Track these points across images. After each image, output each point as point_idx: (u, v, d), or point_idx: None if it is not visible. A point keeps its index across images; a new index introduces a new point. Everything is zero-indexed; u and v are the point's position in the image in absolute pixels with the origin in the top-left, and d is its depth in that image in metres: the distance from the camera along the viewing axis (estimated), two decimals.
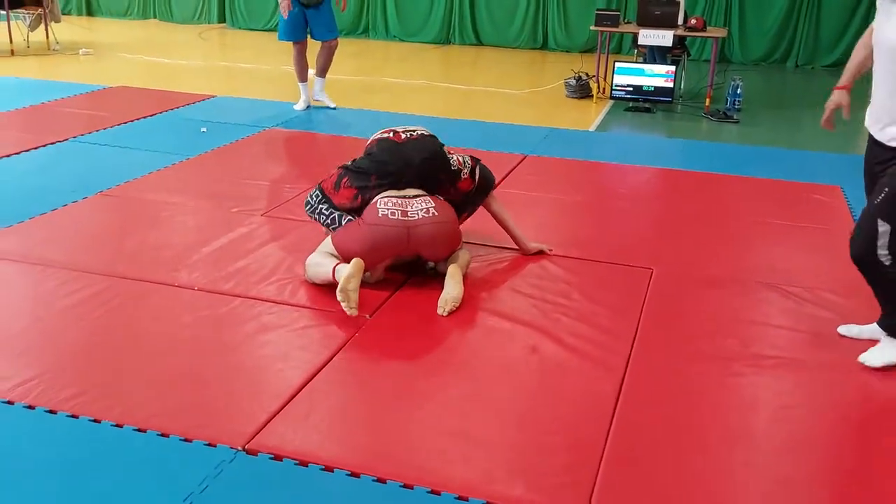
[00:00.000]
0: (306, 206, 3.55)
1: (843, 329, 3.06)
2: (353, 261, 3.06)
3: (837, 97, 3.04)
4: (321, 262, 3.25)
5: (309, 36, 6.40)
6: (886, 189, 2.66)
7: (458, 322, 3.08)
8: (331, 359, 2.78)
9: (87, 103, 6.42)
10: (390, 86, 7.87)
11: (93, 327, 2.95)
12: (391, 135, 3.51)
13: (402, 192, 3.31)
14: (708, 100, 7.07)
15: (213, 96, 6.89)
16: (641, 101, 6.96)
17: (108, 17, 12.19)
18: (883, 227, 2.65)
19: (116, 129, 5.70)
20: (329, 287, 3.18)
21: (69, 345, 2.83)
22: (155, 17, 12.07)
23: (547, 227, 4.07)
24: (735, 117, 6.71)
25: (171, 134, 5.62)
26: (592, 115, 6.89)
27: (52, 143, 5.23)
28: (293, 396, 2.55)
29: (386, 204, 3.26)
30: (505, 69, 9.11)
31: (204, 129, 5.74)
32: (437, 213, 3.27)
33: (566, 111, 7.02)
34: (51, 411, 2.44)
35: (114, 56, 8.97)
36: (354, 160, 3.52)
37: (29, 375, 2.60)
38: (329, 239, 3.36)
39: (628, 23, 7.51)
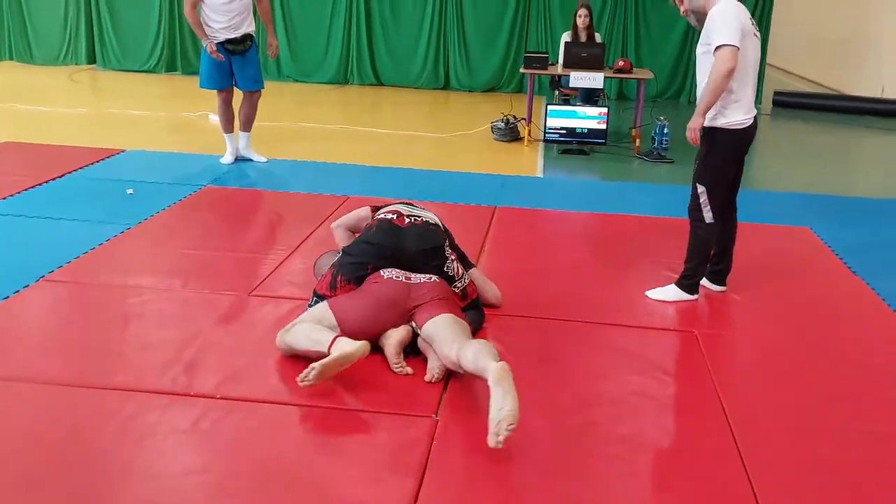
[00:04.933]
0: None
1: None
2: (361, 344, 2.76)
3: None
4: (315, 333, 2.89)
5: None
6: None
7: (534, 412, 2.75)
8: (422, 480, 2.36)
9: None
10: (306, 132, 7.40)
11: (104, 466, 2.37)
12: (395, 217, 3.33)
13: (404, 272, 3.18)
14: (638, 141, 7.14)
15: (122, 150, 6.16)
16: (575, 144, 6.91)
17: None
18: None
19: (24, 195, 4.91)
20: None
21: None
22: (11, 58, 10.87)
23: (576, 291, 3.82)
24: (668, 157, 6.81)
25: (93, 199, 4.91)
26: (531, 159, 6.76)
27: None
28: None
29: (391, 272, 3.13)
30: (420, 110, 8.87)
31: (130, 191, 5.07)
32: (437, 281, 3.17)
33: (502, 156, 6.85)
34: None
35: None
36: (346, 248, 3.33)
37: None
38: (316, 309, 3.08)
39: (552, 64, 7.48)
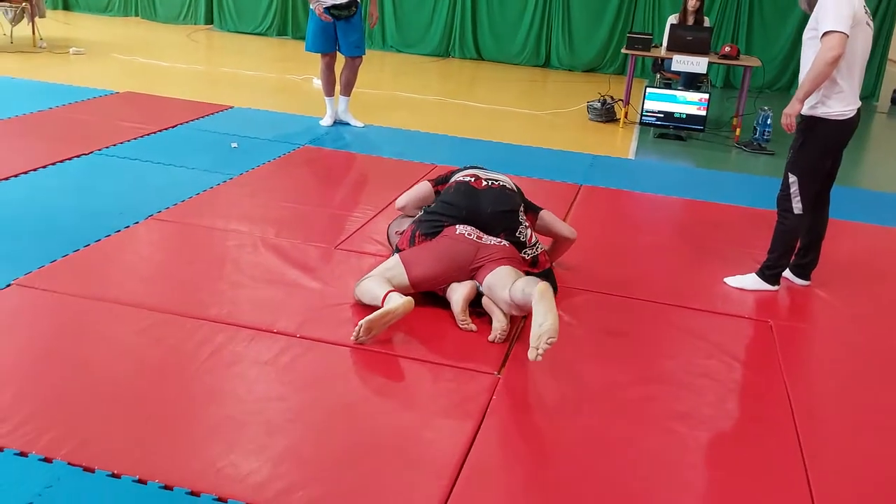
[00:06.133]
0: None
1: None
2: (405, 301, 2.91)
3: None
4: (374, 289, 3.07)
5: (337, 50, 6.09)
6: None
7: (595, 381, 2.83)
8: (479, 428, 2.49)
9: (97, 110, 5.97)
10: (406, 101, 7.58)
11: (196, 386, 2.60)
12: (472, 180, 3.47)
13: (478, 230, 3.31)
14: (738, 130, 6.98)
15: (231, 107, 6.50)
16: (672, 129, 6.83)
17: (86, 13, 11.57)
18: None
19: (140, 141, 5.28)
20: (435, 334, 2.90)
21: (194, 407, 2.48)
22: (137, 14, 11.51)
23: (652, 272, 3.84)
24: (769, 148, 6.64)
25: (201, 149, 5.23)
26: (625, 141, 6.73)
27: (76, 157, 4.79)
28: (457, 475, 2.26)
29: (464, 228, 3.27)
30: (518, 87, 8.91)
31: (235, 145, 5.37)
32: (507, 245, 3.27)
33: (596, 136, 6.84)
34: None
35: (106, 57, 8.45)
36: (426, 208, 3.50)
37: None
38: (389, 260, 3.26)
39: (656, 46, 7.38)
